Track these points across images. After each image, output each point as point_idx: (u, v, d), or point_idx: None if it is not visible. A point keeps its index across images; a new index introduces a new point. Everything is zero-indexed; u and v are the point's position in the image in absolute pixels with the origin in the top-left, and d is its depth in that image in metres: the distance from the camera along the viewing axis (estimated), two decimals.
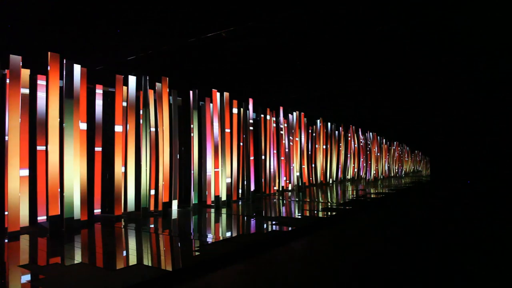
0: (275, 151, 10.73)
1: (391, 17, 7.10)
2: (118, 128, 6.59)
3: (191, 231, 5.50)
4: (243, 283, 3.37)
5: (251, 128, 9.49)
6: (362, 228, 6.12)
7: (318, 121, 14.03)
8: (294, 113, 11.99)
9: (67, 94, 5.45)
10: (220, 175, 8.12)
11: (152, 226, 5.80)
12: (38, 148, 5.43)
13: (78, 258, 3.92)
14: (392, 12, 6.91)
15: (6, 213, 5.08)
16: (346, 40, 8.23)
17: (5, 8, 5.33)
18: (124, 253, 4.24)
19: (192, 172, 7.88)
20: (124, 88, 6.78)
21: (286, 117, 11.58)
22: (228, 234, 5.25)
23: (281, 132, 11.23)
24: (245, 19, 6.44)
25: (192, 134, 7.89)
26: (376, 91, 12.94)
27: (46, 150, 5.34)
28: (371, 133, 19.10)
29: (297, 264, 3.96)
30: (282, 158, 11.16)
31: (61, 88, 5.47)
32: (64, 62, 5.47)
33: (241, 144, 9.15)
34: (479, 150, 17.63)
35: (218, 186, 8.01)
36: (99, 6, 5.79)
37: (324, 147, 14.49)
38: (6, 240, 4.72)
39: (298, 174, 11.95)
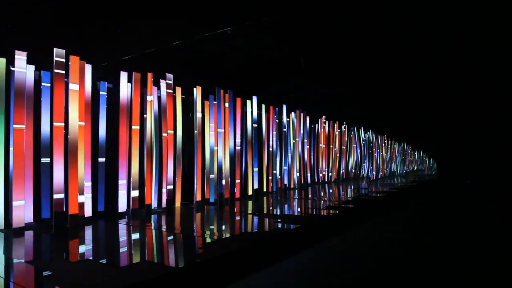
0: (277, 149, 10.70)
1: (392, 16, 7.08)
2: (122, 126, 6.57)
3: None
4: None
5: (254, 125, 9.46)
6: None
7: (321, 119, 14.00)
8: (297, 111, 11.96)
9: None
10: (223, 172, 8.12)
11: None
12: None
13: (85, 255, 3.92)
14: (394, 11, 6.89)
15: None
16: (348, 40, 8.21)
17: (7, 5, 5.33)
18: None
19: (195, 170, 7.88)
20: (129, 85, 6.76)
21: (289, 115, 11.54)
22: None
23: (284, 129, 11.20)
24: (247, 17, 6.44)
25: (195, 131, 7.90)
26: (378, 91, 12.94)
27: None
28: (373, 132, 19.06)
29: None
30: (285, 156, 11.14)
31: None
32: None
33: (243, 142, 9.14)
34: (487, 150, 17.54)
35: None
36: (104, 3, 5.80)
37: (326, 146, 14.46)
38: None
39: (300, 172, 11.94)
